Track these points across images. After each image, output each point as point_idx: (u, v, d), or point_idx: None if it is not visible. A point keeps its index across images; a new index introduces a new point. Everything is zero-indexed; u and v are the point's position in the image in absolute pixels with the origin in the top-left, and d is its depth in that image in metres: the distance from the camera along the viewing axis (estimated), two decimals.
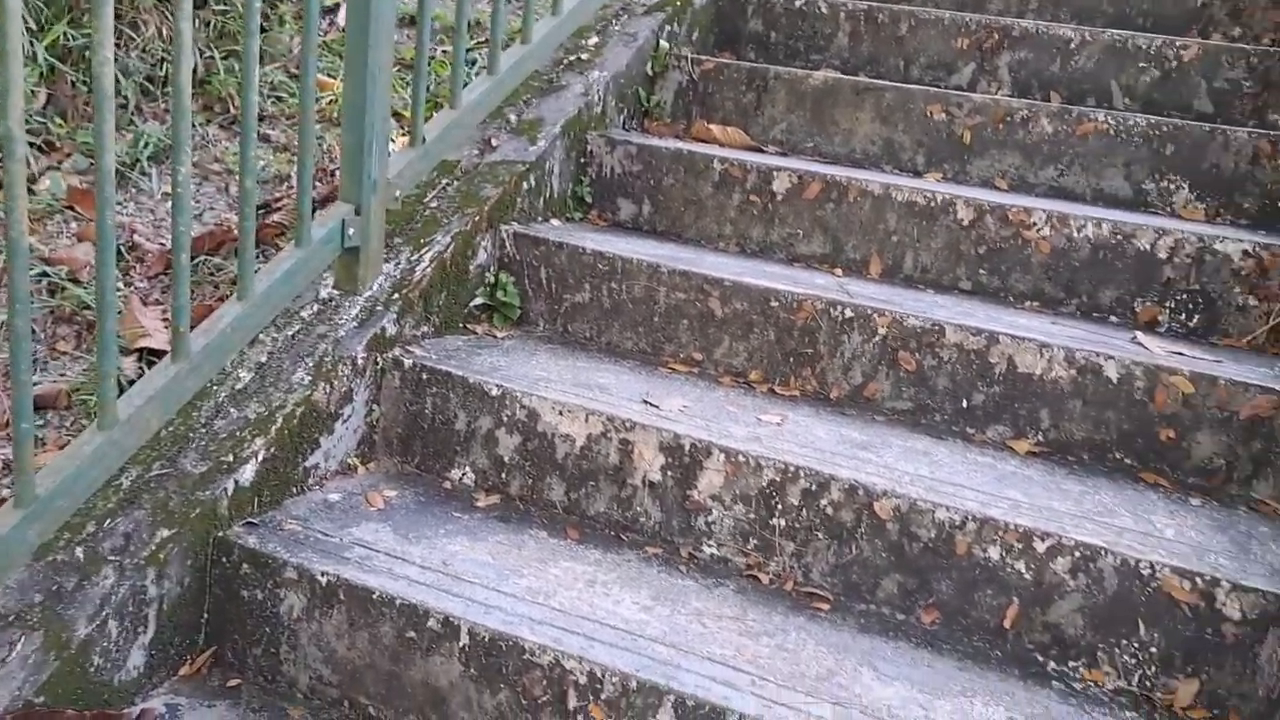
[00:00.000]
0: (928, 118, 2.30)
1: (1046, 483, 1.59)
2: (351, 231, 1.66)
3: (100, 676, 1.33)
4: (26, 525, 1.24)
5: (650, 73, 2.45)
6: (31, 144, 2.48)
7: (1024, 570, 1.43)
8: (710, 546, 1.59)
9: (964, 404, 1.75)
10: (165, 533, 1.40)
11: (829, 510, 1.52)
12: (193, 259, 2.13)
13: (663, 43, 2.45)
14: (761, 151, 2.37)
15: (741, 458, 1.55)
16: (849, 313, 1.79)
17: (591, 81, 2.24)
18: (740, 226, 2.16)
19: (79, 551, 1.38)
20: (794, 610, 1.48)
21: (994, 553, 1.44)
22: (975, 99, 2.27)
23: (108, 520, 1.41)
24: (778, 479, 1.53)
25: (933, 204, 2.02)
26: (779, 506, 1.54)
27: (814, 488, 1.52)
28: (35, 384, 1.88)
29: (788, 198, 2.11)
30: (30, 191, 2.32)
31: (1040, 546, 1.42)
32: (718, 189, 2.16)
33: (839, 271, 2.07)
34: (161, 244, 2.30)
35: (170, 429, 1.54)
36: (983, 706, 1.31)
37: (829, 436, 1.66)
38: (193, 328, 1.39)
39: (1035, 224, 1.97)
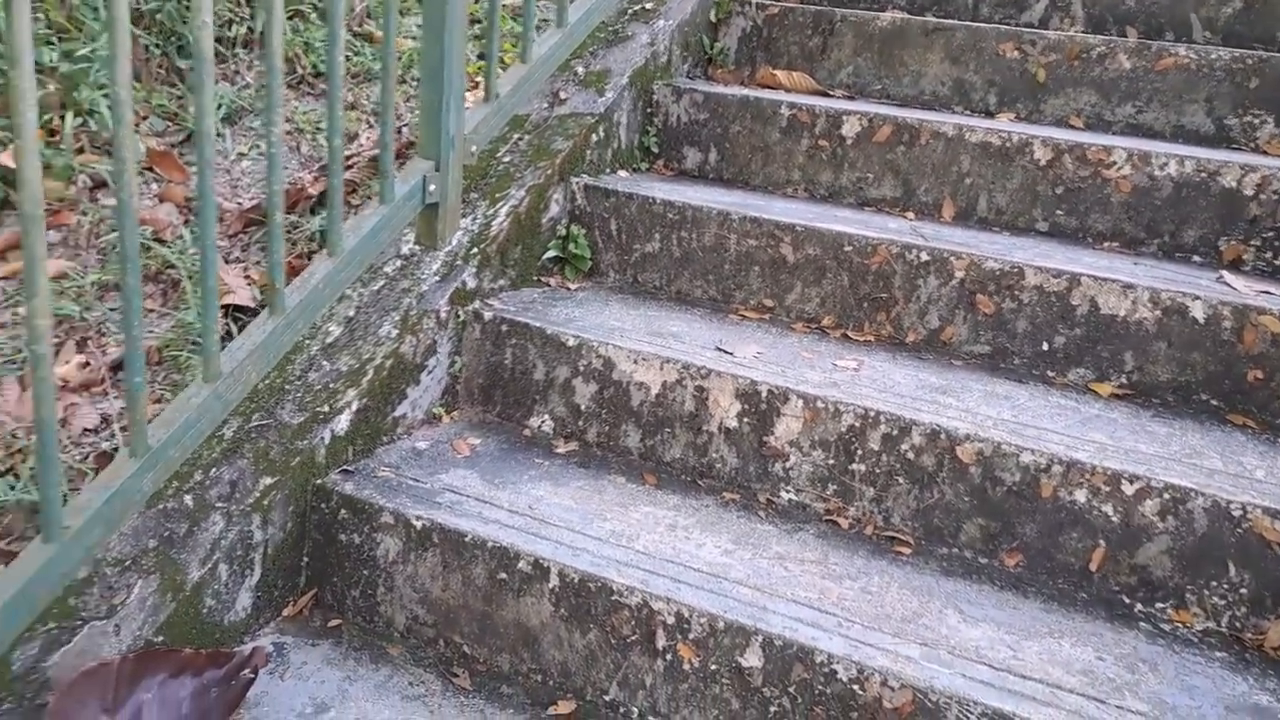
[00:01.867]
0: (1000, 56, 2.25)
1: (1132, 425, 1.58)
2: (432, 188, 1.69)
3: (211, 618, 1.40)
4: (141, 475, 1.30)
5: (714, 19, 2.43)
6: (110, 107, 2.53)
7: (1111, 513, 1.43)
8: (788, 492, 1.61)
9: (1044, 347, 1.74)
10: (268, 480, 1.46)
11: (910, 455, 1.52)
12: (264, 221, 2.18)
13: None
14: (828, 96, 2.35)
15: (819, 403, 1.56)
16: (925, 256, 1.78)
17: (657, 31, 2.23)
18: (809, 172, 2.15)
19: (188, 499, 1.44)
20: (875, 554, 1.50)
21: (1080, 496, 1.44)
22: (1049, 36, 2.22)
23: (214, 469, 1.47)
24: (857, 424, 1.54)
25: (1008, 144, 1.99)
26: (858, 452, 1.55)
27: (894, 432, 1.53)
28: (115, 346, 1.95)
29: (857, 141, 2.09)
30: (106, 153, 2.38)
31: (1128, 489, 1.41)
32: (785, 134, 2.14)
33: (911, 215, 2.06)
34: (238, 203, 2.35)
35: (267, 382, 1.59)
36: (1070, 648, 1.32)
37: (907, 381, 1.66)
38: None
39: (1115, 162, 1.93)
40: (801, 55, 2.41)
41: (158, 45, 2.70)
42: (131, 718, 1.27)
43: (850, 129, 2.10)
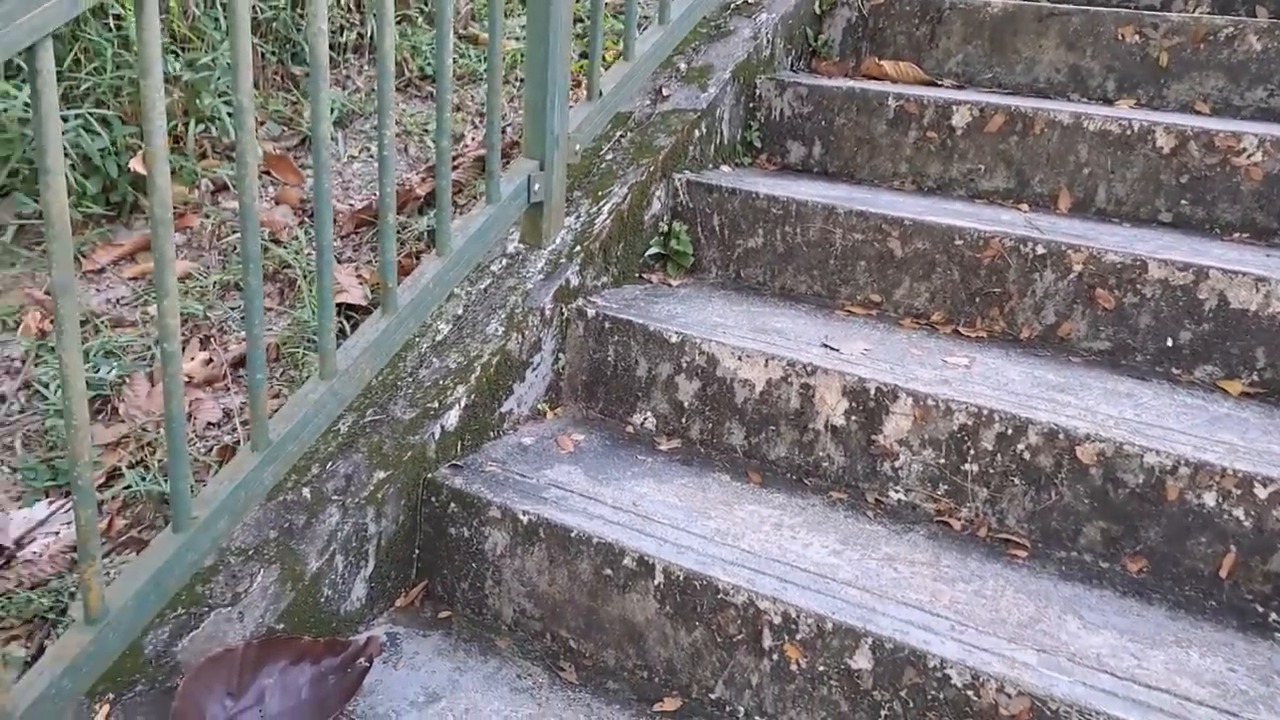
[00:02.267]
0: (1119, 41, 2.16)
1: (1265, 425, 1.50)
2: (536, 187, 1.71)
3: (328, 607, 1.44)
4: (263, 468, 1.35)
5: (818, 11, 2.39)
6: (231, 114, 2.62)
7: (1243, 517, 1.36)
8: (897, 492, 1.58)
9: (1169, 343, 1.66)
10: (381, 474, 1.50)
11: (1026, 455, 1.48)
12: (372, 223, 2.24)
13: None
14: (936, 85, 2.29)
15: (930, 401, 1.52)
16: (1040, 249, 1.72)
17: (759, 24, 2.21)
18: (917, 164, 2.10)
19: (306, 491, 1.49)
20: (989, 557, 1.46)
21: (1209, 499, 1.37)
22: (1172, 18, 2.12)
23: (329, 463, 1.52)
24: (970, 423, 1.50)
25: (1128, 132, 1.91)
26: (971, 451, 1.51)
27: (1009, 431, 1.48)
28: (239, 342, 2.03)
29: (968, 132, 2.04)
30: (228, 158, 2.47)
31: (1262, 493, 1.34)
32: (892, 126, 2.10)
33: (1025, 207, 1.99)
34: (350, 205, 2.41)
35: (380, 378, 1.64)
36: (1199, 658, 1.26)
37: (1022, 379, 1.61)
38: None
39: (1245, 149, 1.84)
40: (908, 45, 2.36)
41: (273, 53, 2.79)
42: (255, 702, 1.32)
43: (960, 119, 2.04)
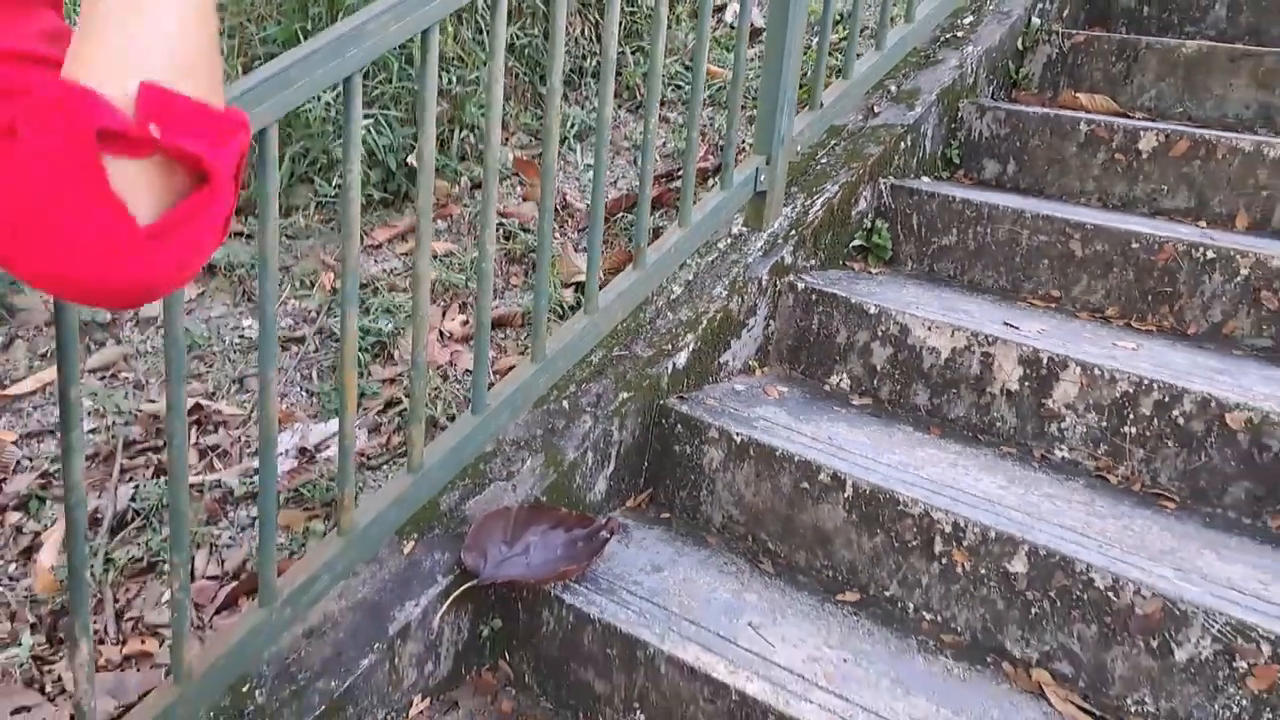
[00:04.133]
0: None
1: None
2: (762, 178, 2.06)
3: (578, 493, 1.81)
4: (538, 376, 1.74)
5: (1020, 47, 2.65)
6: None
7: None
8: (1061, 450, 1.81)
9: None
10: (624, 395, 1.86)
11: (1180, 420, 1.69)
12: (609, 217, 2.63)
13: (1034, 19, 2.64)
14: (1128, 117, 2.50)
15: (1096, 371, 1.76)
16: (1210, 254, 1.92)
17: (965, 55, 2.49)
18: (1103, 183, 2.32)
19: (565, 403, 1.87)
20: (1140, 505, 1.67)
21: None
22: None
23: (584, 384, 1.89)
24: (1131, 390, 1.73)
25: None
26: (1130, 416, 1.73)
27: (1166, 399, 1.70)
28: (495, 308, 2.46)
29: (1153, 155, 2.25)
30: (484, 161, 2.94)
31: None
32: (1082, 148, 2.33)
33: (1203, 224, 2.18)
34: (587, 203, 2.83)
35: (625, 324, 2.01)
36: None
37: (1183, 362, 1.82)
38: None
39: None
40: (1104, 80, 2.58)
41: (525, 73, 3.28)
42: (522, 552, 1.70)
43: (1147, 144, 2.26)
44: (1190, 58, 2.46)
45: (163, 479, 2.10)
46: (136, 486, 2.09)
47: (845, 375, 2.05)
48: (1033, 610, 1.51)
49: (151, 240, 0.57)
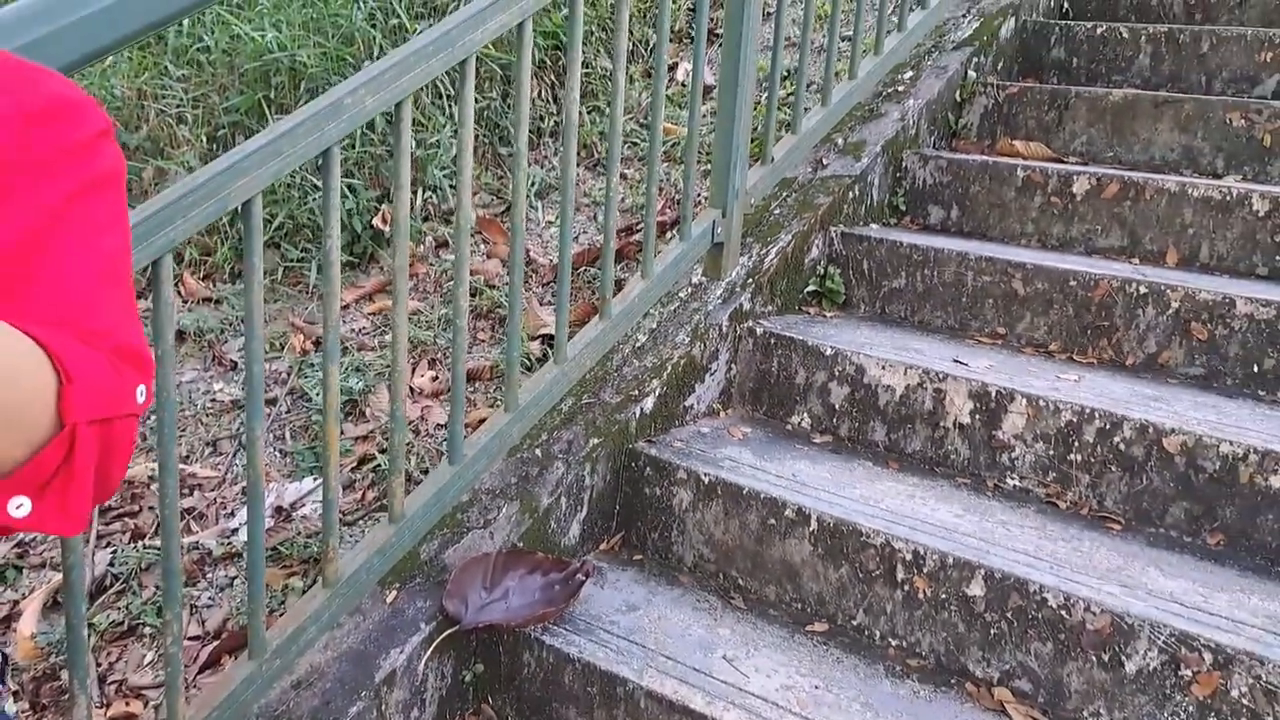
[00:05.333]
0: (1226, 125, 2.48)
1: None
2: (719, 230, 2.16)
3: (553, 538, 1.87)
4: (511, 424, 1.81)
5: (958, 99, 2.80)
6: (450, 185, 3.19)
7: None
8: (1013, 479, 1.91)
9: (1255, 369, 1.95)
10: (595, 441, 1.93)
11: (1121, 447, 1.79)
12: (573, 270, 2.71)
13: (970, 73, 2.79)
14: (1062, 162, 2.64)
15: (1042, 402, 1.86)
16: (1143, 289, 2.04)
17: (907, 108, 2.63)
18: (1041, 225, 2.45)
19: (538, 451, 1.93)
20: (1088, 527, 1.76)
21: (1275, 481, 1.65)
22: (1275, 105, 2.42)
23: (555, 431, 1.96)
24: (1075, 420, 1.83)
25: (1228, 198, 2.22)
26: (1075, 444, 1.83)
27: (1108, 427, 1.80)
28: (464, 361, 2.52)
29: (1086, 198, 2.38)
30: (446, 221, 3.03)
31: None
32: (1020, 193, 2.46)
33: (1135, 261, 2.31)
34: (550, 259, 2.92)
35: (593, 372, 2.08)
36: (1258, 600, 1.54)
37: (1123, 391, 1.92)
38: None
39: None
40: (1039, 128, 2.73)
41: (485, 135, 3.38)
42: (501, 596, 1.75)
43: (1080, 186, 2.39)
44: (1117, 105, 2.62)
45: (140, 543, 2.13)
46: (114, 551, 2.12)
47: (806, 414, 2.14)
48: (991, 631, 1.59)
49: None
